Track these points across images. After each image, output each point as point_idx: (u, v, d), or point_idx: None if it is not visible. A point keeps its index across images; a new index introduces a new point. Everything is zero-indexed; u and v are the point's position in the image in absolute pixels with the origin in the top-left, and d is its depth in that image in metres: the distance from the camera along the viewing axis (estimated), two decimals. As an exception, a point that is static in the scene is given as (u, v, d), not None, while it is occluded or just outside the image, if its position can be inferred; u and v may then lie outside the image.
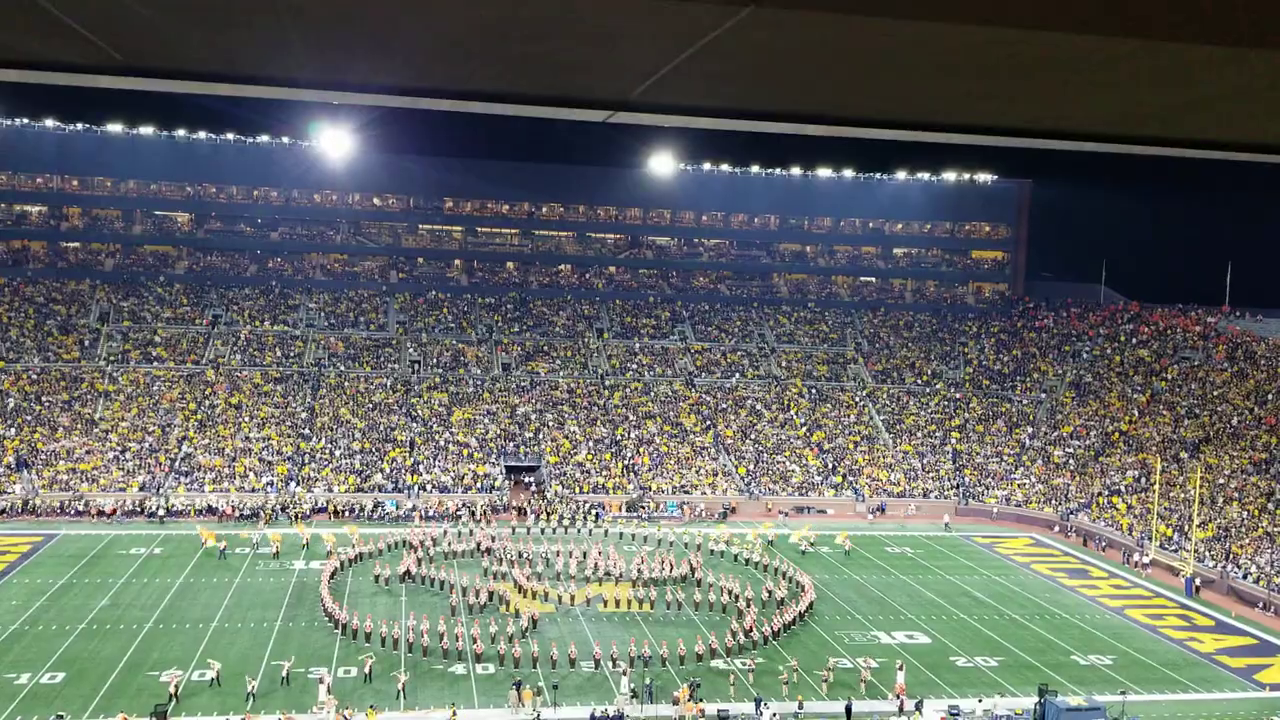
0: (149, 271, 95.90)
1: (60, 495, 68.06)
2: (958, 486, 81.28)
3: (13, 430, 73.66)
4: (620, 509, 72.83)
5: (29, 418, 75.50)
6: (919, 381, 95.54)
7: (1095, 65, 3.73)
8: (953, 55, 3.65)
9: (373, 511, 69.90)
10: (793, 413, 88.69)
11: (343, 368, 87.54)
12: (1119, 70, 3.79)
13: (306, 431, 78.47)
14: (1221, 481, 70.50)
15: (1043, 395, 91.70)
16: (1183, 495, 69.79)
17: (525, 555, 58.30)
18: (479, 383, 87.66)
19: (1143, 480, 74.08)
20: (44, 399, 77.91)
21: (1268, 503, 66.27)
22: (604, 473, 77.46)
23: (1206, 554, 63.25)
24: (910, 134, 4.82)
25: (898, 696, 40.52)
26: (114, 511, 67.11)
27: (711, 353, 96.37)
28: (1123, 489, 74.89)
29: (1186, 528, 65.70)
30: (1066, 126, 4.65)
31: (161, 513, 67.26)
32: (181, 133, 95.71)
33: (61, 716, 35.98)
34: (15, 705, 37.38)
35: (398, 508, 70.38)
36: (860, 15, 3.31)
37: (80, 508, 67.21)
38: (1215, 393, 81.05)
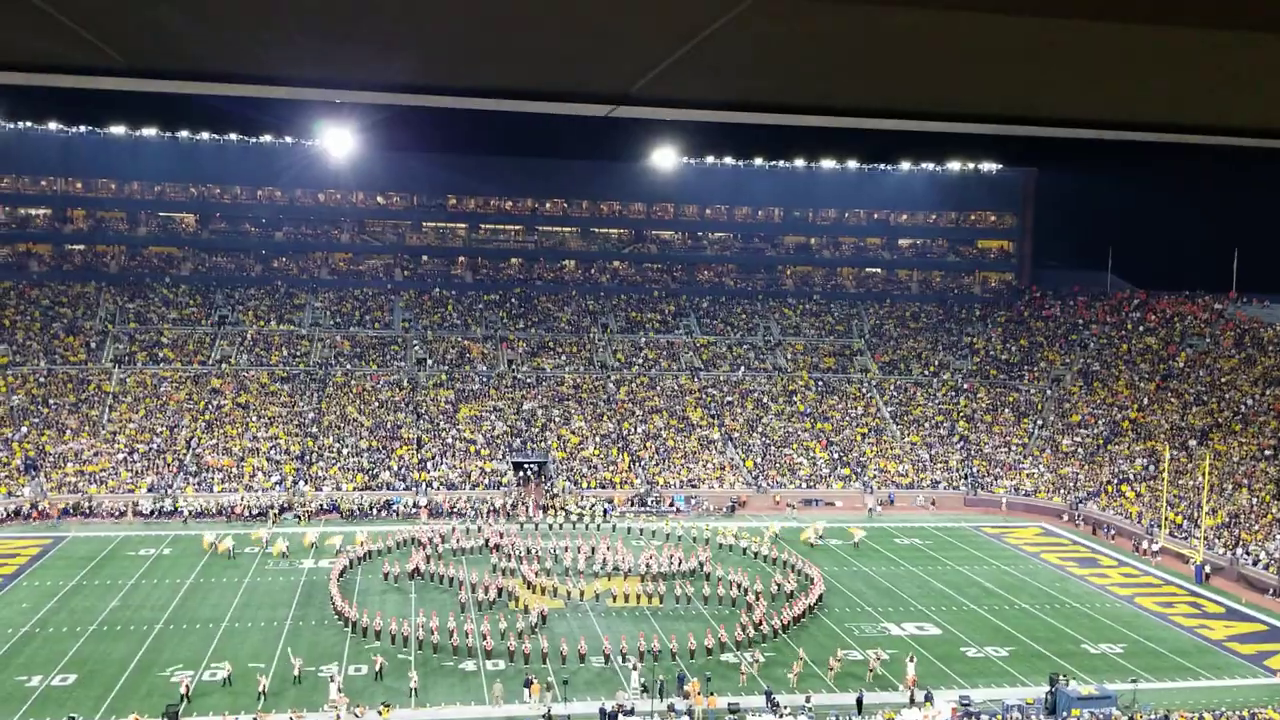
0: (154, 273, 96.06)
1: (69, 497, 68.24)
2: (966, 477, 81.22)
3: (21, 433, 73.85)
4: (629, 503, 72.85)
5: (36, 420, 75.71)
6: (926, 372, 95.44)
7: (1102, 51, 3.71)
8: (956, 43, 3.63)
9: (382, 508, 70.08)
10: (799, 405, 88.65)
11: (349, 366, 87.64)
12: (1125, 56, 3.76)
13: (314, 430, 78.60)
14: (1230, 468, 70.37)
15: (1050, 384, 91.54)
16: (1192, 482, 69.66)
17: (533, 551, 58.37)
18: (485, 379, 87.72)
19: (1151, 468, 73.95)
20: (51, 401, 78.10)
21: (1277, 489, 66.11)
22: (611, 467, 77.50)
23: (1216, 541, 63.15)
24: (914, 123, 4.80)
25: (909, 688, 40.57)
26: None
27: (717, 346, 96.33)
28: (1131, 477, 74.76)
29: (1196, 515, 65.57)
30: (1072, 113, 4.62)
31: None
32: (185, 133, 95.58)
33: (74, 718, 36.11)
34: (27, 707, 37.51)
35: (407, 504, 70.53)
36: (862, 4, 3.29)
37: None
38: (1223, 379, 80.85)
